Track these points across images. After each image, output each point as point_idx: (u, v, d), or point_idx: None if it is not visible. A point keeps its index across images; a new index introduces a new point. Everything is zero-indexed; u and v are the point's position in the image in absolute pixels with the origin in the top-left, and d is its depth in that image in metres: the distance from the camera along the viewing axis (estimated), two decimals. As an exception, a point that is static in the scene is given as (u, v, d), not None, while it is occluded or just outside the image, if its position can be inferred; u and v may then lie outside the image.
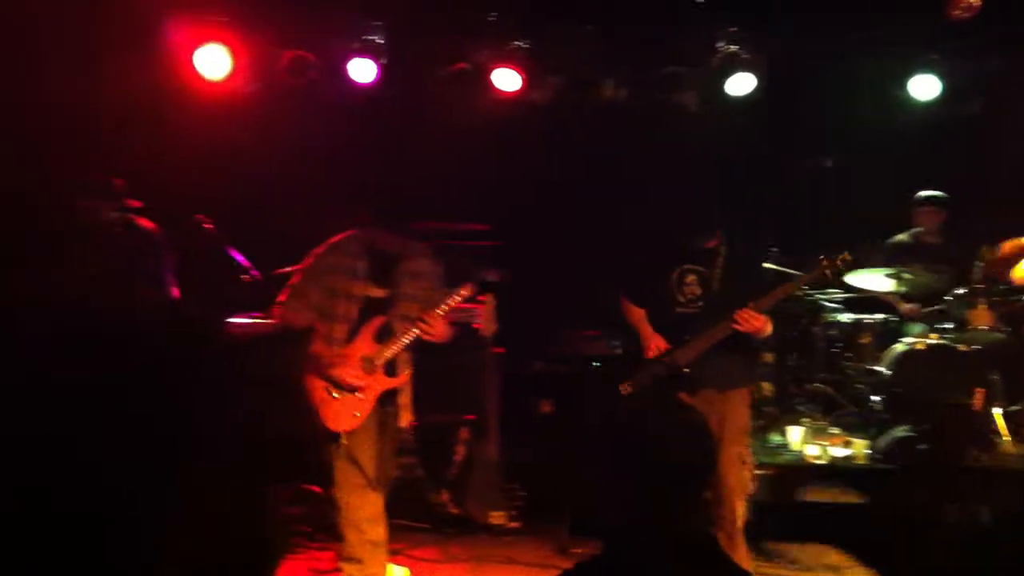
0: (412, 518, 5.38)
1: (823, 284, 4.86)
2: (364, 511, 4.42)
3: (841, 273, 4.76)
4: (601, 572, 2.17)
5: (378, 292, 4.47)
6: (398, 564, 4.98)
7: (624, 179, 7.23)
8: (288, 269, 5.55)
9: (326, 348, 4.38)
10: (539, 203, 7.13)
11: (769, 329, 4.66)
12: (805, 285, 4.80)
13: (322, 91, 6.46)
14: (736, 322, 4.58)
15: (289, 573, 4.96)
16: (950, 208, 6.56)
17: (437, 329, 4.40)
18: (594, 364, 5.55)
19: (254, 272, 5.55)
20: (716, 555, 2.31)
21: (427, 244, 4.71)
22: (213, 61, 6.13)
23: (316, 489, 5.36)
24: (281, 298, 4.47)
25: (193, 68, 6.12)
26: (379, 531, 4.47)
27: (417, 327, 4.37)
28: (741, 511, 4.56)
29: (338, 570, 4.53)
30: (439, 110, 6.74)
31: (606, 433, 2.33)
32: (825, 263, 4.61)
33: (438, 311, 4.40)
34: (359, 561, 4.42)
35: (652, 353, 4.75)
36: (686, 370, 4.69)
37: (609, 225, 6.94)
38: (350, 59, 6.37)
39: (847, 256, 4.58)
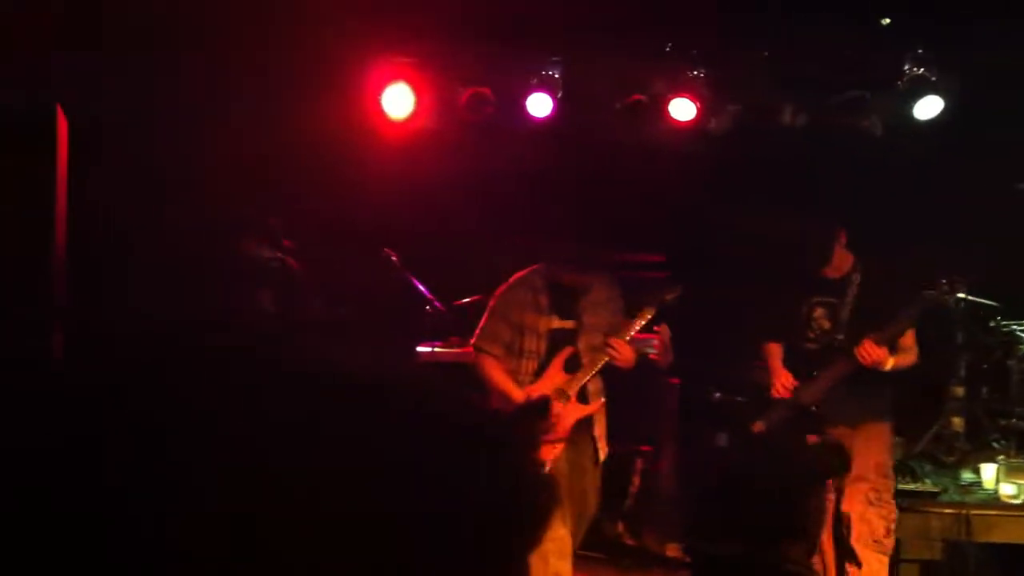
0: (588, 546, 5.42)
1: (940, 307, 4.66)
2: (553, 544, 4.49)
3: (952, 294, 4.53)
4: None
5: (564, 324, 4.59)
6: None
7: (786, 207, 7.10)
8: (468, 300, 5.76)
9: (517, 381, 4.53)
10: (713, 233, 7.08)
11: (893, 363, 4.51)
12: (921, 312, 4.56)
13: (500, 126, 6.64)
14: (857, 357, 4.47)
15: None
16: None
17: (625, 354, 4.49)
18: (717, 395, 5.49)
19: (437, 303, 5.75)
20: None
21: (606, 272, 4.81)
22: (399, 100, 6.39)
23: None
24: (473, 341, 4.63)
25: (380, 107, 6.41)
26: (564, 566, 4.54)
27: (607, 353, 4.47)
28: (869, 560, 4.38)
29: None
30: (614, 142, 6.81)
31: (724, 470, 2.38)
32: (943, 287, 4.43)
33: (625, 335, 4.49)
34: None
35: (777, 392, 4.74)
36: (814, 408, 4.58)
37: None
38: (528, 94, 6.53)
39: (956, 279, 4.39)
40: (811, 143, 6.82)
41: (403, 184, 6.52)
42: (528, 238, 5.00)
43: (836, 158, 6.88)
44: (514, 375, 4.54)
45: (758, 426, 4.67)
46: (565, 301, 4.59)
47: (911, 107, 6.35)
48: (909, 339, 4.66)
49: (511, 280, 4.67)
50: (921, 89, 6.32)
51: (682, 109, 6.52)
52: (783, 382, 4.72)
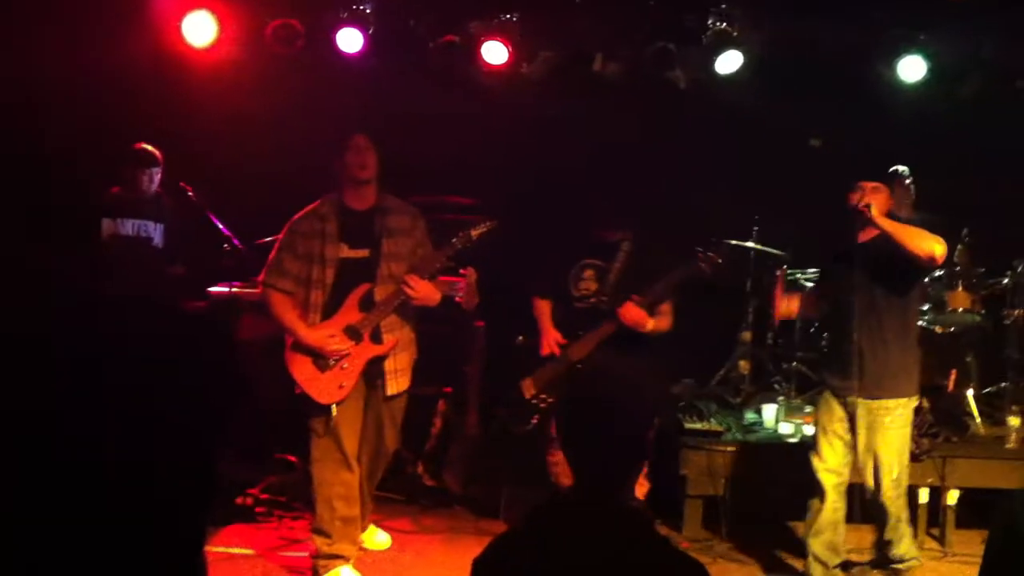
0: (387, 489, 5.44)
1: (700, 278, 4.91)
2: (337, 488, 4.48)
3: (716, 269, 4.77)
4: (518, 545, 2.23)
5: (357, 253, 4.48)
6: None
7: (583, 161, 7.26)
8: (270, 239, 5.59)
9: (306, 318, 4.42)
10: (525, 177, 7.15)
11: (652, 325, 4.71)
12: (680, 281, 4.79)
13: (308, 61, 6.45)
14: (619, 317, 4.65)
15: (262, 541, 5.05)
16: (923, 182, 6.58)
17: (421, 291, 4.43)
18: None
19: (236, 242, 5.57)
20: (647, 531, 2.33)
21: (407, 202, 4.73)
22: (200, 28, 6.11)
23: (292, 459, 5.45)
24: (262, 276, 4.51)
25: (180, 35, 6.11)
26: (352, 509, 4.53)
27: (402, 289, 4.40)
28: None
29: (308, 540, 4.62)
30: (426, 82, 6.74)
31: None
32: (701, 257, 4.68)
33: (425, 272, 4.45)
34: (328, 536, 4.50)
35: (545, 350, 4.86)
36: (579, 366, 4.73)
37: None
38: (339, 28, 6.36)
39: (716, 257, 4.69)
40: (620, 93, 6.92)
41: (205, 117, 6.27)
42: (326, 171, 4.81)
43: (643, 111, 7.03)
44: (304, 308, 4.45)
45: (527, 383, 4.77)
46: (358, 228, 4.49)
47: (713, 61, 6.53)
48: (667, 305, 4.84)
49: (302, 212, 4.55)
50: (723, 44, 6.49)
51: (494, 52, 6.50)
52: (551, 339, 4.81)
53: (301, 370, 4.40)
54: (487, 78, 6.69)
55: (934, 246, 4.39)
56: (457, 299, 5.75)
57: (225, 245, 5.49)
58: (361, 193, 4.52)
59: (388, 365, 4.57)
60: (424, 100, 6.81)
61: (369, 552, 4.94)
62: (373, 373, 4.54)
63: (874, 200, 4.54)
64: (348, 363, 4.43)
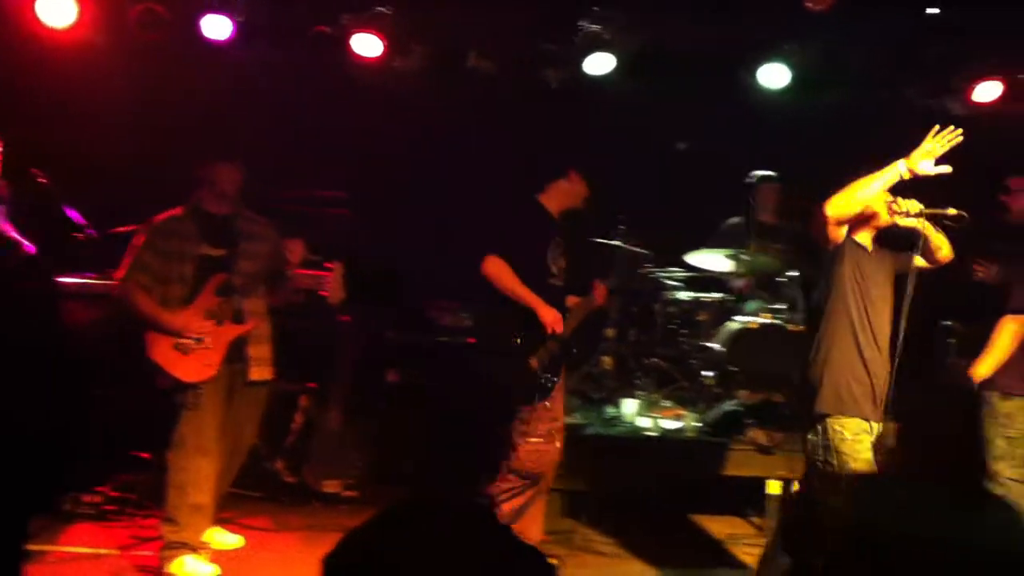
0: (245, 487, 5.36)
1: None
2: (190, 474, 4.45)
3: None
4: (368, 542, 2.22)
5: (213, 251, 4.60)
6: (232, 532, 4.98)
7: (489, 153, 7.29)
8: (124, 229, 5.45)
9: (164, 308, 4.48)
10: (399, 172, 7.13)
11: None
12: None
13: (173, 47, 6.29)
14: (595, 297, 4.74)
15: (113, 540, 4.91)
16: (786, 187, 6.82)
17: (297, 250, 4.69)
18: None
19: (89, 230, 5.41)
20: (491, 526, 2.36)
21: (261, 212, 4.86)
22: (57, 7, 5.89)
23: (145, 456, 5.32)
24: (121, 272, 4.54)
25: (35, 14, 5.88)
26: (203, 497, 4.48)
27: (281, 257, 4.65)
28: None
29: (160, 539, 4.52)
30: (297, 73, 6.65)
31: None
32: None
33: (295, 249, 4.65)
34: (175, 523, 4.44)
35: (553, 328, 4.60)
36: (574, 349, 4.79)
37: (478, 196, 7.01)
38: (204, 15, 6.21)
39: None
40: (495, 90, 6.95)
41: (60, 102, 6.06)
42: (191, 165, 4.80)
43: (516, 106, 7.08)
44: (163, 303, 4.51)
45: (533, 362, 4.63)
46: (216, 230, 4.64)
47: (583, 62, 6.61)
48: None
49: (161, 216, 4.66)
50: (594, 46, 6.58)
51: (367, 45, 6.45)
52: (553, 318, 4.61)
53: (164, 355, 4.45)
54: (359, 71, 6.62)
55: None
56: (323, 293, 5.71)
57: (78, 233, 5.31)
58: (222, 202, 4.68)
59: (251, 352, 4.68)
60: (294, 92, 6.73)
61: (224, 552, 4.85)
62: (236, 358, 4.61)
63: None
64: (211, 343, 4.51)
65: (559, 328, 4.62)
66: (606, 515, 5.61)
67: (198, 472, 4.46)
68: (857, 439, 3.83)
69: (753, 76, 6.65)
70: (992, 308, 4.78)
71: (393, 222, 6.97)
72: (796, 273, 6.39)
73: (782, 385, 5.93)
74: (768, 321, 6.18)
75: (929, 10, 6.15)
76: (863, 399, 3.86)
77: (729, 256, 6.40)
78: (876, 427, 3.92)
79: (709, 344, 6.27)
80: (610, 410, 6.11)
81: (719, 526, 5.72)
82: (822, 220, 3.91)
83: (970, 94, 6.30)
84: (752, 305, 6.40)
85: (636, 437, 5.77)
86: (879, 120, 6.65)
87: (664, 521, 5.62)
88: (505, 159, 7.30)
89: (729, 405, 5.85)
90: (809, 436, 3.94)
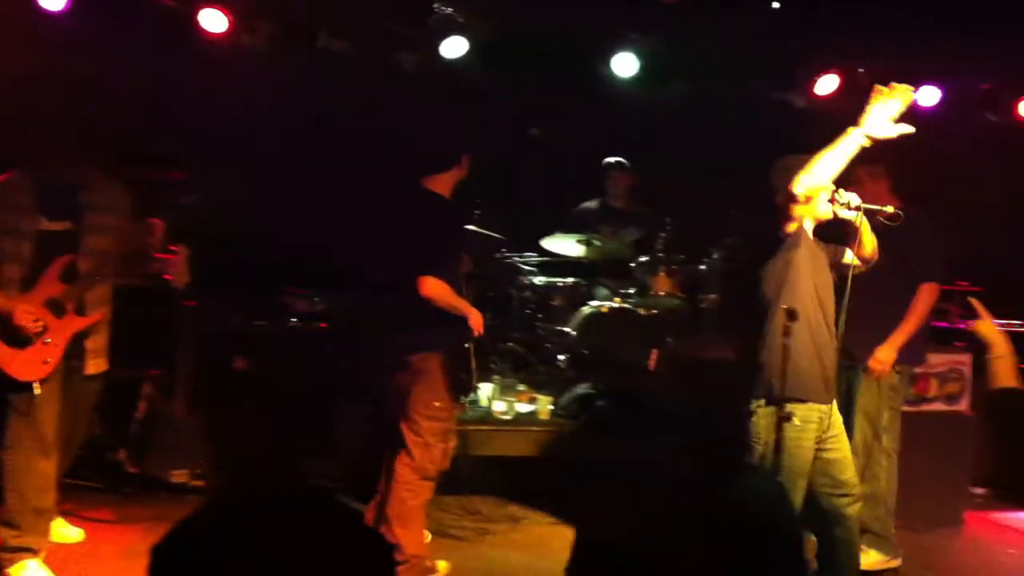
0: (84, 477, 5.13)
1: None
2: (30, 477, 4.19)
3: None
4: (198, 529, 2.16)
5: (55, 226, 4.21)
6: (72, 525, 4.77)
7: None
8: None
9: (2, 293, 4.10)
10: (248, 153, 6.94)
11: None
12: None
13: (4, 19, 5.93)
14: None
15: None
16: (637, 173, 6.97)
17: (157, 231, 4.39)
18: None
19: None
20: (332, 508, 2.30)
21: (114, 178, 4.49)
22: None
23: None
24: None
25: None
26: (45, 499, 4.24)
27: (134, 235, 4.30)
28: None
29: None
30: (140, 48, 6.37)
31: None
32: None
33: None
34: (16, 527, 4.19)
35: (480, 327, 4.61)
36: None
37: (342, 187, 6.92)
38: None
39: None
40: (348, 71, 6.84)
41: None
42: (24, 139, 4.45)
43: (371, 88, 6.99)
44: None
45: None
46: (57, 201, 4.22)
47: (438, 45, 6.57)
48: None
49: None
50: (448, 29, 6.55)
51: (213, 20, 6.24)
52: (479, 321, 4.57)
53: None
54: (206, 47, 6.40)
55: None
56: (166, 276, 5.50)
57: None
58: (64, 166, 4.27)
59: (89, 344, 4.36)
60: (137, 67, 6.45)
61: (64, 545, 4.63)
62: (74, 353, 4.28)
63: None
64: (51, 337, 4.16)
65: (481, 330, 4.63)
66: (462, 499, 5.61)
67: (38, 475, 4.20)
68: (803, 427, 3.83)
69: (606, 65, 6.74)
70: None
71: (242, 204, 6.78)
72: (646, 258, 6.54)
73: (633, 368, 6.05)
74: (619, 305, 6.30)
75: (775, 4, 6.38)
76: (816, 383, 3.89)
77: (581, 241, 6.49)
78: (828, 410, 3.95)
79: (563, 328, 6.35)
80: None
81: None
82: (789, 199, 3.82)
83: (812, 87, 6.55)
84: (604, 291, 6.52)
85: (492, 420, 5.79)
86: (726, 111, 6.85)
87: (518, 503, 5.65)
88: (360, 141, 7.23)
89: (582, 388, 5.93)
90: (753, 418, 3.90)
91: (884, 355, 4.81)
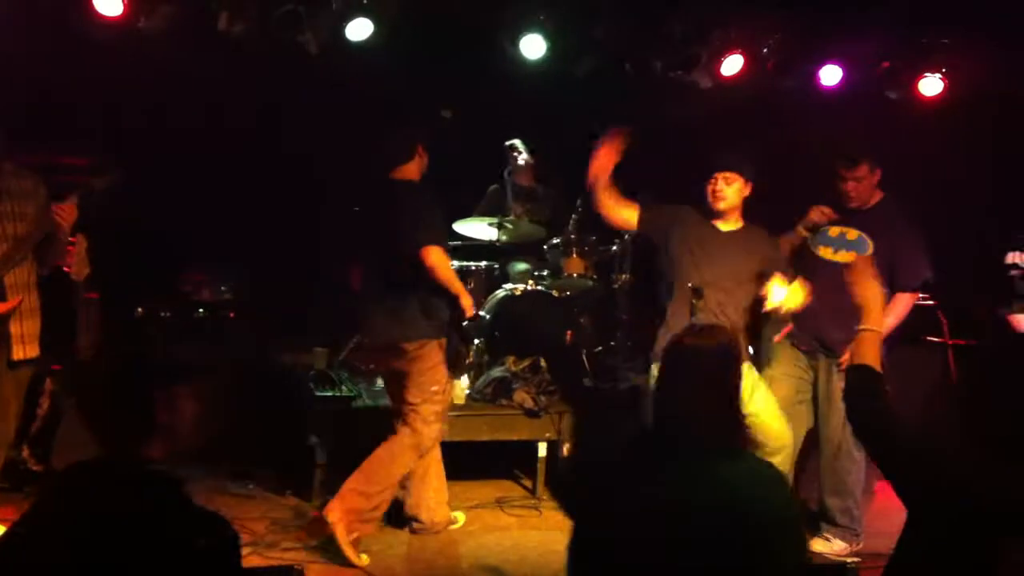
0: (-13, 478, 4.95)
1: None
2: None
3: None
4: (37, 520, 2.12)
5: None
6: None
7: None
8: None
9: None
10: (148, 140, 6.77)
11: None
12: None
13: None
14: None
15: None
16: (538, 152, 6.99)
17: (70, 214, 4.33)
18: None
19: None
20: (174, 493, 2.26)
21: (21, 162, 4.42)
22: None
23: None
24: None
25: None
26: None
27: (51, 219, 4.26)
28: None
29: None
30: (34, 31, 6.13)
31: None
32: None
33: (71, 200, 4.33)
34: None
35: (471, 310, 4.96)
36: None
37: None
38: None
39: None
40: (247, 55, 6.69)
41: None
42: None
43: (272, 74, 6.88)
44: None
45: None
46: None
47: (343, 27, 6.45)
48: None
49: None
50: (353, 11, 6.44)
51: (107, 3, 6.02)
52: (471, 303, 4.91)
53: None
54: (100, 30, 6.18)
55: None
56: (65, 268, 5.32)
57: None
58: None
59: (13, 329, 4.31)
60: (32, 51, 6.21)
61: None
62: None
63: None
64: None
65: (472, 312, 4.92)
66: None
67: None
68: None
69: (513, 47, 6.70)
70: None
71: (142, 191, 6.60)
72: (557, 240, 6.56)
73: (547, 349, 6.06)
74: (533, 288, 6.30)
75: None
76: None
77: (493, 224, 6.46)
78: None
79: (478, 312, 6.32)
80: (379, 381, 6.03)
81: (489, 490, 5.81)
82: None
83: (718, 68, 6.61)
84: (518, 270, 6.51)
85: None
86: (629, 91, 6.90)
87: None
88: (266, 126, 7.10)
89: (497, 371, 5.92)
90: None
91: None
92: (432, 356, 4.80)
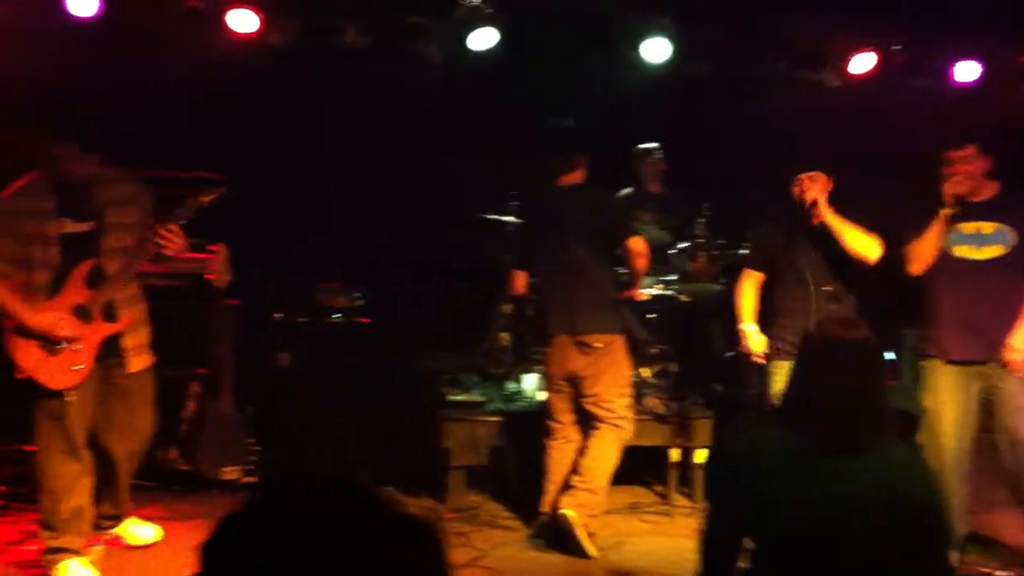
0: (138, 476, 5.12)
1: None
2: (62, 480, 4.16)
3: None
4: (245, 523, 2.14)
5: (80, 226, 4.15)
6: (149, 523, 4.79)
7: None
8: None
9: (28, 300, 4.05)
10: (277, 151, 6.94)
11: None
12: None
13: (35, 21, 5.92)
14: None
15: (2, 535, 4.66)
16: (668, 158, 6.94)
17: (178, 242, 4.14)
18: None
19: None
20: (377, 502, 2.27)
21: (127, 170, 4.41)
22: None
23: (28, 448, 5.04)
24: None
25: None
26: (78, 499, 4.21)
27: (156, 244, 4.10)
28: None
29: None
30: (169, 50, 6.36)
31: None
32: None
33: (177, 220, 4.15)
34: (52, 529, 4.18)
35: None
36: None
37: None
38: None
39: None
40: (376, 65, 6.82)
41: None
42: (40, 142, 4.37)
43: (399, 82, 6.98)
44: (26, 291, 4.08)
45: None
46: (76, 201, 4.15)
47: (466, 37, 6.53)
48: None
49: (11, 189, 4.17)
50: (476, 20, 6.51)
51: (243, 20, 6.21)
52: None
53: (27, 356, 4.05)
54: (233, 47, 6.38)
55: (866, 248, 4.73)
56: (208, 276, 5.50)
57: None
58: (76, 166, 4.17)
59: (127, 343, 4.32)
60: (167, 70, 6.44)
61: (116, 543, 4.64)
62: (110, 352, 4.25)
63: (814, 190, 4.79)
64: (81, 344, 4.13)
65: (640, 296, 5.49)
66: (511, 490, 5.58)
67: (68, 477, 4.19)
68: None
69: (636, 50, 6.68)
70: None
71: (274, 202, 6.78)
72: (685, 245, 6.49)
73: (676, 355, 6.00)
74: (659, 292, 6.25)
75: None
76: None
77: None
78: None
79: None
80: (511, 385, 6.08)
81: (621, 496, 5.77)
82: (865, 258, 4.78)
83: (846, 66, 6.47)
84: (646, 278, 6.46)
85: (537, 412, 5.74)
86: (758, 93, 6.81)
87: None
88: (390, 137, 7.22)
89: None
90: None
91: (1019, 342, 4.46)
92: (621, 349, 5.05)
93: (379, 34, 6.72)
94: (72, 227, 4.14)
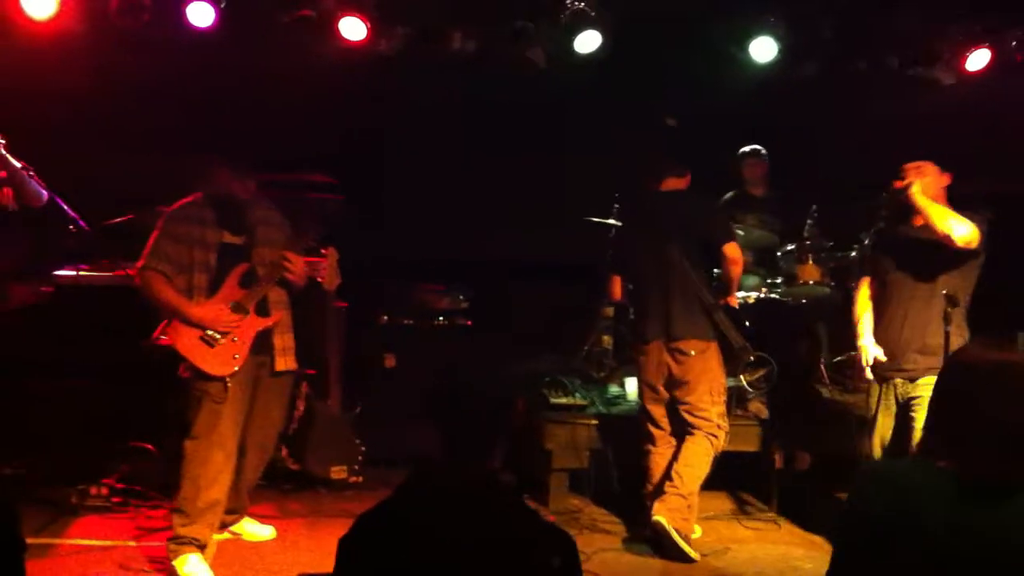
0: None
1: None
2: (206, 467, 4.40)
3: None
4: (386, 521, 2.19)
5: (234, 239, 4.59)
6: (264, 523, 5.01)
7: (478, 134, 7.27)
8: (119, 220, 5.40)
9: (190, 297, 4.46)
10: (387, 155, 7.08)
11: None
12: None
13: (157, 35, 6.18)
14: None
15: (118, 532, 4.87)
16: (771, 160, 6.84)
17: (299, 267, 4.63)
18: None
19: (82, 223, 5.32)
20: (515, 504, 2.31)
21: (267, 194, 4.81)
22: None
23: (149, 447, 5.28)
24: (140, 262, 4.49)
25: (17, 4, 5.76)
26: (216, 492, 4.43)
27: (281, 267, 4.56)
28: None
29: (168, 529, 4.47)
30: (282, 58, 6.56)
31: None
32: None
33: (296, 248, 4.62)
34: (186, 515, 4.37)
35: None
36: None
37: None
38: (189, 2, 6.10)
39: None
40: (480, 70, 6.90)
41: (43, 92, 5.94)
42: (184, 157, 4.76)
43: (502, 87, 7.05)
44: (187, 291, 4.49)
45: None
46: (234, 217, 4.61)
47: (572, 40, 6.55)
48: None
49: (178, 203, 4.62)
50: (581, 23, 6.52)
51: (352, 28, 6.37)
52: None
53: (190, 347, 4.43)
54: (343, 55, 6.54)
55: (952, 228, 4.34)
56: (319, 279, 5.65)
57: (71, 227, 5.22)
58: (239, 187, 4.64)
59: (276, 342, 4.68)
60: (279, 78, 6.64)
61: (232, 539, 4.82)
62: (261, 349, 4.60)
63: (917, 179, 4.57)
64: (238, 336, 4.50)
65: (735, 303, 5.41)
66: (612, 493, 5.60)
67: (214, 466, 4.41)
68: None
69: (742, 50, 6.60)
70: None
71: (382, 207, 6.94)
72: (792, 247, 6.39)
73: (778, 360, 5.91)
74: (765, 295, 6.18)
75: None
76: None
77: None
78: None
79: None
80: (613, 389, 6.09)
81: (724, 502, 5.74)
82: (954, 237, 4.35)
83: (962, 62, 6.27)
84: (750, 280, 6.40)
85: (637, 416, 5.74)
86: (867, 91, 6.65)
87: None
88: (494, 143, 7.29)
89: (730, 381, 5.82)
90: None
91: None
92: (715, 356, 5.06)
93: (485, 40, 6.82)
94: (229, 238, 4.59)
